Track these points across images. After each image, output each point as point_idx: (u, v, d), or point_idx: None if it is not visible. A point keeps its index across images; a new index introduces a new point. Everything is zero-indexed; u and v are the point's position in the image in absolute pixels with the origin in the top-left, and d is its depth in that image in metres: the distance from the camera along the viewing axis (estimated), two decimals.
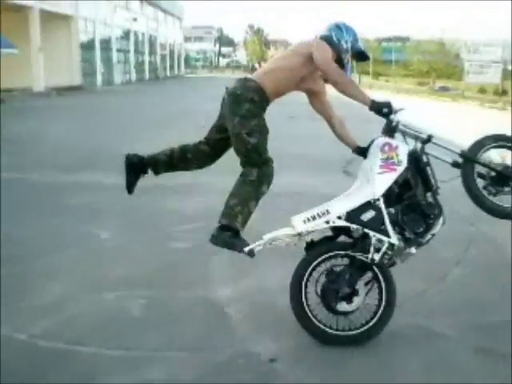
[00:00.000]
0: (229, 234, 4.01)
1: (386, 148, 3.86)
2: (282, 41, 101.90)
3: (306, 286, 3.86)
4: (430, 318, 4.24)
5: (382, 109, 3.89)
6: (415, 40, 55.59)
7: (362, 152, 4.21)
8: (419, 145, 3.91)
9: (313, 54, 3.99)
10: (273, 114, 16.44)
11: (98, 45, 40.55)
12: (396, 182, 3.81)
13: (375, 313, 3.86)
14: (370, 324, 3.85)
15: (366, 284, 3.89)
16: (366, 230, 3.76)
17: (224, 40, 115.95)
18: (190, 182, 8.57)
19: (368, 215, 3.78)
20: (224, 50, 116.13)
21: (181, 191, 8.20)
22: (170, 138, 14.23)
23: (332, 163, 10.63)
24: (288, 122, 18.81)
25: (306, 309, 3.83)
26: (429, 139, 3.90)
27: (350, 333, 3.84)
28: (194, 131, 14.82)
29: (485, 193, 3.94)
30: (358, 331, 3.84)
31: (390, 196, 3.81)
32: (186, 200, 7.74)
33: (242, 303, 4.47)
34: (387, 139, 3.91)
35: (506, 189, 3.97)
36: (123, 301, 4.51)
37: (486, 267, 5.32)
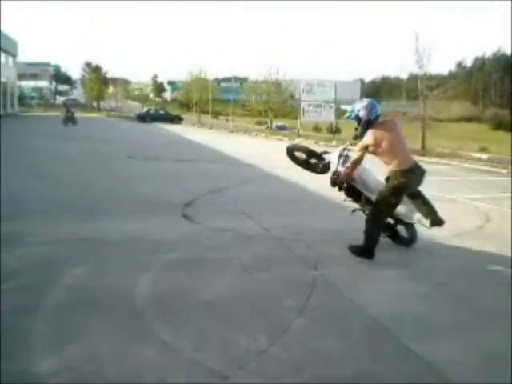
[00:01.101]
0: None
1: None
2: (121, 79, 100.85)
3: None
4: (275, 380, 3.88)
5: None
6: (253, 80, 56.91)
7: None
8: None
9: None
10: (113, 154, 15.74)
11: None
12: None
13: None
14: None
15: None
16: None
17: (61, 77, 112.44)
18: (9, 231, 7.76)
19: None
20: (61, 87, 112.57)
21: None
22: None
23: (170, 206, 10.21)
24: (127, 162, 18.21)
25: None
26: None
27: None
28: (25, 170, 13.99)
29: None
30: None
31: None
32: (5, 252, 6.73)
33: (65, 376, 3.86)
34: None
35: None
36: None
37: (329, 315, 5.11)
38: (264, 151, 25.61)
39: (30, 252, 6.83)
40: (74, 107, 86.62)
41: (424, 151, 26.69)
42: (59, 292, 5.46)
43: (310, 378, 3.91)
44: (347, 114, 7.26)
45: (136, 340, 4.42)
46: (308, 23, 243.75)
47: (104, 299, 5.32)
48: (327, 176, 7.74)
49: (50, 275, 5.94)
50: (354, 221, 7.64)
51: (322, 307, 5.27)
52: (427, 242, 7.80)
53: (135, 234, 7.86)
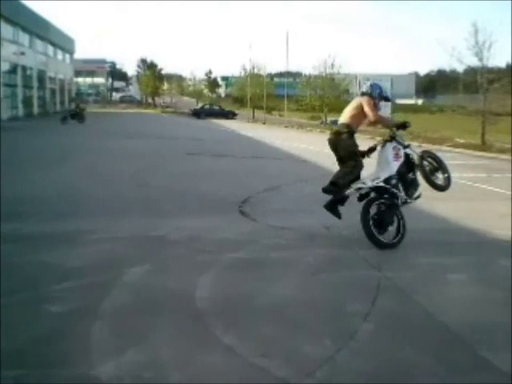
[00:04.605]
0: None
1: (396, 149, 7.46)
2: (176, 75, 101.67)
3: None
4: None
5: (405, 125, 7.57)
6: (306, 75, 56.43)
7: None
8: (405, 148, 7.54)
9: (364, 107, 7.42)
10: (172, 150, 15.55)
11: None
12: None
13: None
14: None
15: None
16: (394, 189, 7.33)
17: (117, 74, 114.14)
18: (73, 229, 7.78)
19: (393, 181, 7.32)
20: (117, 84, 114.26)
21: (62, 240, 7.22)
22: (54, 178, 13.35)
23: (227, 203, 10.10)
24: (185, 159, 18.22)
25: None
26: (408, 145, 7.65)
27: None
28: (76, 172, 14.04)
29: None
30: None
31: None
32: (69, 251, 6.74)
33: (126, 381, 3.74)
34: (394, 144, 7.47)
35: None
36: None
37: (398, 320, 4.89)
38: (319, 147, 25.32)
39: (93, 251, 6.79)
40: (130, 103, 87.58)
41: (484, 147, 25.91)
42: (118, 292, 5.39)
43: None
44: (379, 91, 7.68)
45: (198, 345, 4.29)
46: (359, 15, 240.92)
47: (164, 301, 5.23)
48: None
49: (110, 274, 5.88)
50: None
51: (388, 312, 5.06)
52: (497, 241, 7.47)
53: (198, 233, 7.79)
